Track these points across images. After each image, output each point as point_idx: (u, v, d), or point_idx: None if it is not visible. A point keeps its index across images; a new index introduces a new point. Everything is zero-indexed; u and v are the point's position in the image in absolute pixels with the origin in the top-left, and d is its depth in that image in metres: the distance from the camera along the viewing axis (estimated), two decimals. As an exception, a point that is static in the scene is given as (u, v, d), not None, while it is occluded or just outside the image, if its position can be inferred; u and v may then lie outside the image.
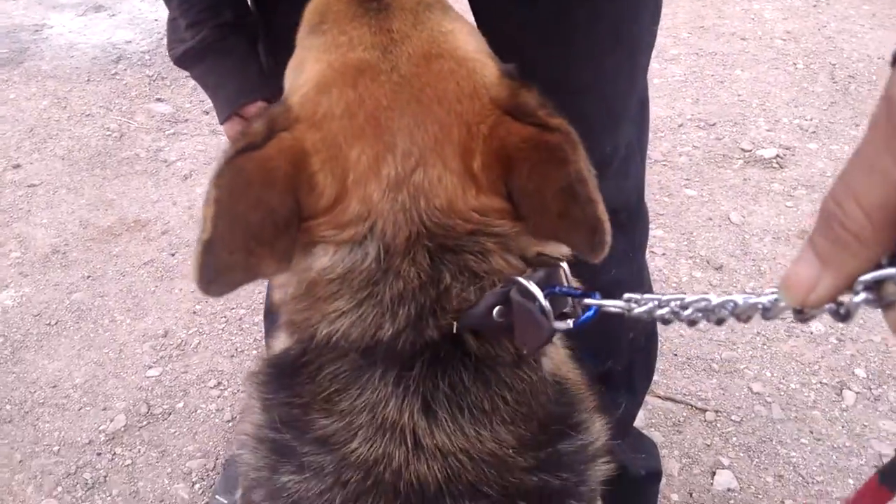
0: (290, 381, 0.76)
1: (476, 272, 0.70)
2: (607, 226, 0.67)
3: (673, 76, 3.35)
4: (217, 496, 1.65)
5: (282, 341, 0.80)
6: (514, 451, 0.72)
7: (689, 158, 2.83)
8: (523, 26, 1.03)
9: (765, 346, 2.05)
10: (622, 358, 1.34)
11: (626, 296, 0.62)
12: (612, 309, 0.63)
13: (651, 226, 2.46)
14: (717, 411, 1.88)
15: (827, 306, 0.45)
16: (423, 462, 0.70)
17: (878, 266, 0.42)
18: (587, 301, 0.65)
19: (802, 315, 0.46)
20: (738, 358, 2.02)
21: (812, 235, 0.45)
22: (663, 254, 2.38)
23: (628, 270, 1.28)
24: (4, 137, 3.00)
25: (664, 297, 0.59)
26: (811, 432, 1.83)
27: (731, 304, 0.54)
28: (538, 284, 0.66)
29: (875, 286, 0.42)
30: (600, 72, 1.11)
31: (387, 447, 0.71)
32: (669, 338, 2.08)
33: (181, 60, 1.11)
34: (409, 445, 0.70)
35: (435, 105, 0.70)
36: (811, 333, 2.08)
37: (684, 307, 0.57)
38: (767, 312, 0.51)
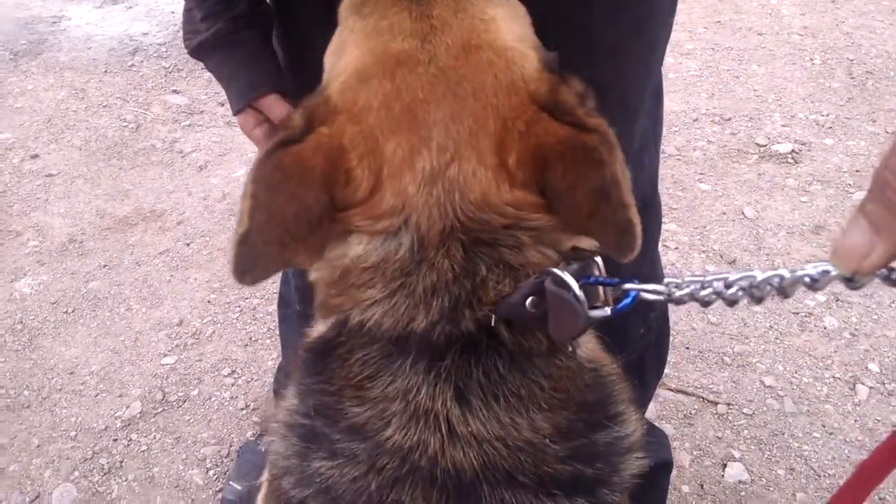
0: (323, 364, 0.76)
1: (511, 264, 0.70)
2: (638, 229, 0.67)
3: (688, 71, 3.33)
4: (231, 482, 1.67)
5: (318, 327, 0.80)
6: (549, 440, 0.72)
7: (703, 153, 2.81)
8: (545, 19, 1.03)
9: (777, 341, 2.05)
10: (634, 351, 1.35)
11: (667, 280, 0.61)
12: (652, 296, 0.63)
13: (664, 220, 2.47)
14: (728, 404, 1.88)
15: (878, 272, 0.46)
16: (459, 449, 0.70)
17: None
18: (626, 286, 0.65)
19: (853, 283, 0.48)
20: (750, 352, 2.02)
21: (864, 204, 0.46)
22: (676, 248, 2.37)
23: (641, 263, 1.29)
24: (23, 128, 3.04)
25: (707, 278, 0.59)
26: (823, 426, 1.82)
27: (777, 278, 0.54)
28: (573, 276, 0.66)
29: None
30: (620, 66, 1.10)
31: (422, 434, 0.71)
32: (682, 331, 2.08)
33: (196, 52, 1.12)
34: (444, 433, 0.70)
35: (471, 99, 0.70)
36: (825, 328, 2.07)
37: (728, 286, 0.57)
38: (815, 284, 0.51)
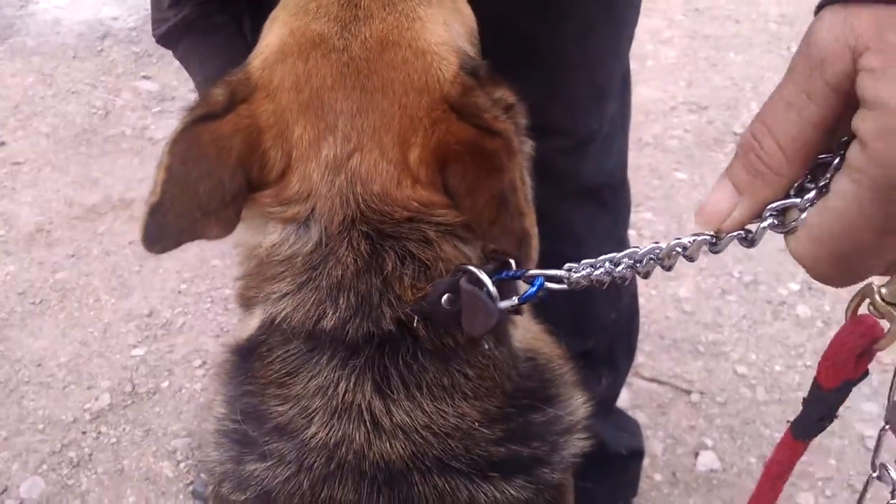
0: (246, 364, 0.76)
1: (422, 259, 0.69)
2: (535, 241, 0.66)
3: (666, 59, 3.33)
4: (202, 474, 1.65)
5: (250, 320, 0.79)
6: (479, 424, 0.72)
7: (680, 142, 2.82)
8: (517, 2, 1.02)
9: (751, 329, 2.06)
10: (604, 337, 1.35)
11: (566, 266, 0.63)
12: (553, 284, 0.64)
13: (640, 209, 2.47)
14: (701, 393, 1.89)
15: (736, 233, 0.50)
16: (385, 441, 0.70)
17: (787, 196, 0.47)
18: (531, 273, 0.65)
19: (716, 247, 0.52)
20: (723, 340, 2.03)
21: (730, 168, 0.49)
22: (652, 237, 2.37)
23: (612, 248, 1.28)
24: (-11, 114, 2.96)
25: (597, 260, 0.61)
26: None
27: (657, 250, 0.57)
28: (488, 274, 0.66)
29: (781, 213, 0.48)
30: (591, 48, 1.10)
31: (346, 429, 0.71)
32: (656, 320, 2.08)
33: (164, 39, 1.09)
34: (369, 426, 0.70)
35: (379, 94, 0.70)
36: (797, 317, 2.09)
37: (616, 264, 0.60)
38: (686, 251, 0.55)
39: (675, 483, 1.70)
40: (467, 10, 0.79)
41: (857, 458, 1.73)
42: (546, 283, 0.64)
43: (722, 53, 3.38)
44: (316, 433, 0.71)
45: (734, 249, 2.00)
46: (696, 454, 1.75)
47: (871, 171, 0.42)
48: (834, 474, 1.70)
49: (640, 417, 1.78)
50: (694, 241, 0.54)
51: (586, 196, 1.21)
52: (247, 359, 0.76)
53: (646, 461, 1.63)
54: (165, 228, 0.69)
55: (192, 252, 2.30)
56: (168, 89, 3.11)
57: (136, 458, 1.76)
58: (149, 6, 1.12)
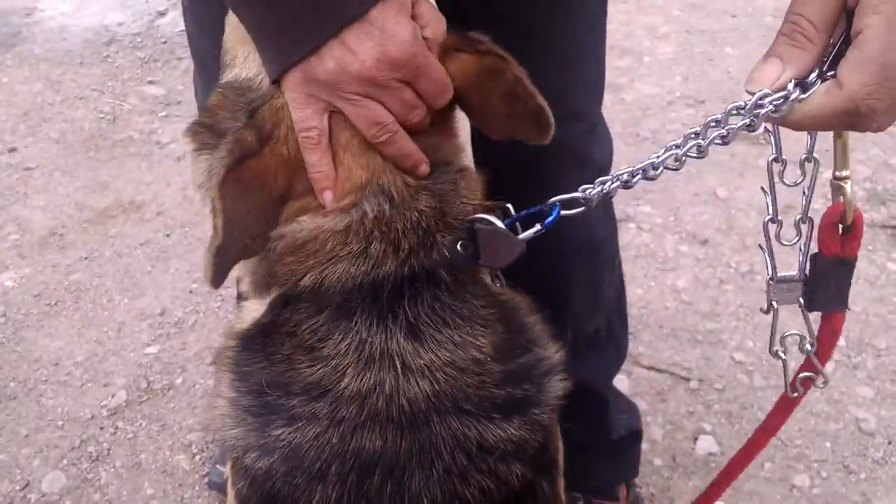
0: (265, 345, 0.81)
1: (449, 199, 0.81)
2: (548, 111, 0.80)
3: (663, 54, 3.37)
4: (217, 465, 1.71)
5: (250, 310, 0.85)
6: (491, 358, 0.79)
7: (677, 135, 2.82)
8: (530, 3, 1.08)
9: (748, 318, 2.11)
10: (604, 315, 1.41)
11: (582, 187, 0.76)
12: (571, 211, 0.78)
13: (639, 202, 2.52)
14: (700, 380, 1.94)
15: (779, 95, 0.67)
16: (414, 382, 0.77)
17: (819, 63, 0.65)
18: (551, 200, 0.79)
19: (752, 126, 0.71)
20: (721, 329, 2.08)
21: (773, 47, 0.67)
22: (650, 229, 2.42)
23: (606, 228, 1.36)
24: (-1, 121, 3.03)
25: (612, 175, 0.77)
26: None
27: (693, 135, 0.74)
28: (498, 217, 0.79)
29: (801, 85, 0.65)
30: (598, 35, 1.19)
31: (377, 376, 0.76)
32: (655, 310, 2.13)
33: None
34: (399, 369, 0.76)
35: None
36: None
37: (634, 174, 0.77)
38: (725, 138, 0.72)
39: (675, 467, 1.75)
40: None
41: (851, 441, 1.78)
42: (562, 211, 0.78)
43: (718, 48, 3.42)
44: (349, 384, 0.77)
45: (731, 241, 2.04)
46: (695, 439, 1.80)
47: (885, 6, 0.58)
48: (829, 456, 1.76)
49: (641, 404, 1.83)
50: (726, 116, 0.71)
51: (597, 178, 1.28)
52: (262, 338, 0.81)
53: (646, 446, 1.68)
54: (226, 263, 0.76)
55: (202, 252, 2.35)
56: (174, 94, 3.17)
57: (152, 452, 1.82)
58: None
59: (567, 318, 1.30)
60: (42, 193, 2.66)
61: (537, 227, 0.77)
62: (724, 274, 2.25)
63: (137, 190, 2.65)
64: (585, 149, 1.23)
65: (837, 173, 0.83)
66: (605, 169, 1.30)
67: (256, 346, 0.82)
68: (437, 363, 0.77)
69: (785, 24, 0.65)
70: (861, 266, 2.25)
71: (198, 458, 1.81)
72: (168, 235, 2.46)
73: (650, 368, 1.95)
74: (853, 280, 2.29)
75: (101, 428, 1.88)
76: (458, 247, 0.78)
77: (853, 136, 2.71)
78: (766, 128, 0.77)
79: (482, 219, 0.78)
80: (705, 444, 1.78)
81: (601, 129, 1.29)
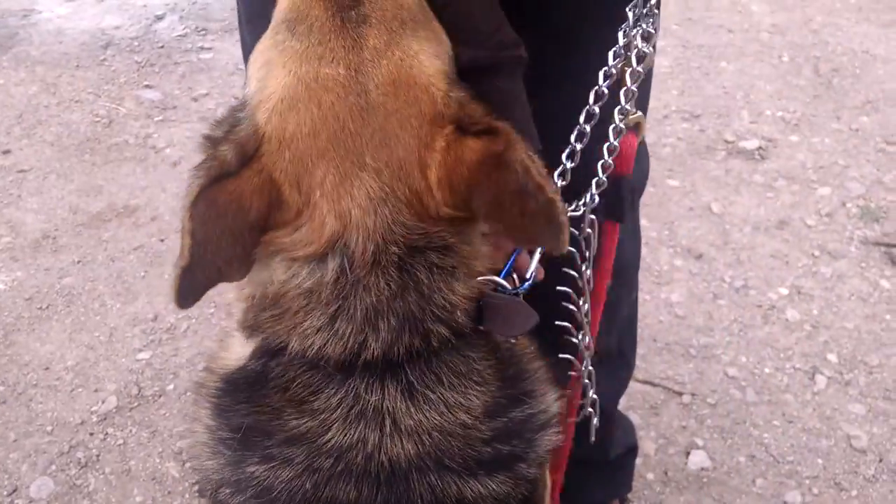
0: (252, 394, 0.79)
1: (446, 268, 0.77)
2: (559, 204, 0.74)
3: (659, 68, 3.39)
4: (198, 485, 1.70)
5: (237, 346, 0.83)
6: (479, 421, 0.78)
7: (672, 149, 2.87)
8: (577, 12, 1.08)
9: (741, 333, 2.11)
10: (616, 334, 1.41)
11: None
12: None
13: (634, 214, 2.52)
14: (693, 394, 1.94)
15: None
16: (398, 441, 0.76)
17: None
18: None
19: None
20: (714, 343, 2.08)
21: None
22: (645, 242, 2.42)
23: (632, 250, 1.37)
24: (-6, 122, 3.01)
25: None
26: (783, 415, 1.89)
27: None
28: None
29: None
30: (616, 36, 1.17)
31: (362, 433, 0.76)
32: (649, 324, 2.13)
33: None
34: (388, 428, 0.76)
35: (398, 130, 0.75)
36: (786, 320, 2.15)
37: None
38: None
39: (667, 482, 1.75)
40: (444, 37, 0.83)
41: (843, 458, 1.79)
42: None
43: (714, 62, 3.45)
44: (331, 438, 0.76)
45: (725, 256, 2.05)
46: (688, 453, 1.80)
47: None
48: (821, 473, 1.76)
49: (634, 418, 1.83)
50: None
51: (633, 193, 1.29)
52: (249, 388, 0.79)
53: (638, 460, 1.68)
54: (195, 285, 0.73)
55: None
56: (170, 98, 3.16)
57: (142, 459, 1.81)
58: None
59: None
60: (35, 196, 2.65)
61: (525, 286, 0.82)
62: (718, 289, 2.26)
63: (132, 194, 2.64)
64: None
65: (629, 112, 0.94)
66: (639, 190, 1.31)
67: (242, 394, 0.80)
68: (426, 426, 0.76)
69: None
70: (854, 283, 2.26)
71: (188, 465, 1.80)
72: (162, 240, 2.45)
73: (644, 382, 1.95)
74: (847, 296, 2.30)
75: (91, 434, 1.86)
76: (461, 318, 0.77)
77: (848, 152, 2.71)
78: None
79: (494, 282, 0.80)
80: (698, 459, 1.78)
81: (640, 148, 1.27)
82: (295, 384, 0.77)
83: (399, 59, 0.77)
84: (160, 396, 1.96)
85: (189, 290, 0.72)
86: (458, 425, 0.77)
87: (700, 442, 1.83)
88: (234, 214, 0.72)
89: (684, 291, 2.25)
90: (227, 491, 0.79)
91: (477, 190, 0.75)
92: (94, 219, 2.55)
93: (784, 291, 2.24)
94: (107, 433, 1.87)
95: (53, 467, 1.78)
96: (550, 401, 0.86)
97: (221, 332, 2.14)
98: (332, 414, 0.76)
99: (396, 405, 0.76)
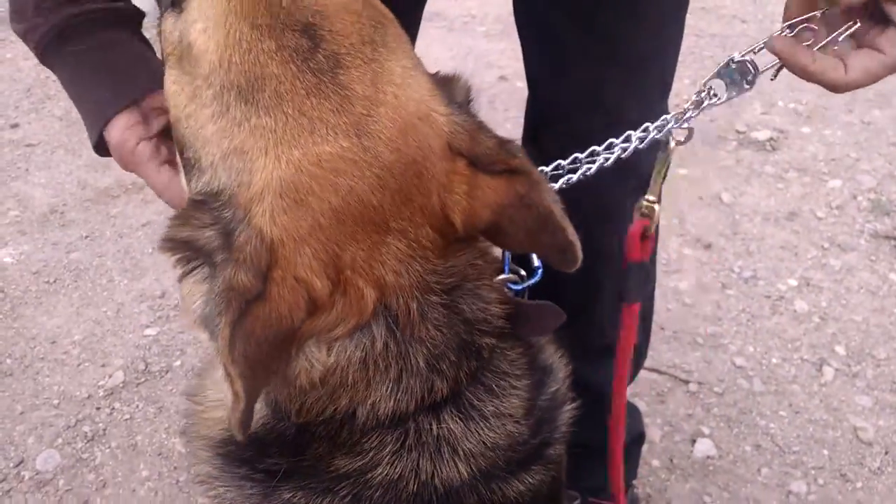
0: (286, 447, 0.75)
1: (478, 293, 0.76)
2: (577, 247, 0.73)
3: (671, 56, 3.37)
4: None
5: (221, 406, 0.78)
6: (520, 424, 0.79)
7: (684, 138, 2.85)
8: (598, 3, 1.08)
9: (749, 323, 2.11)
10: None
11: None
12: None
13: (644, 203, 2.51)
14: (699, 383, 1.94)
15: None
16: (454, 466, 0.75)
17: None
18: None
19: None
20: (722, 333, 2.08)
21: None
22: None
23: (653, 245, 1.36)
24: (2, 97, 3.00)
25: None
26: (790, 405, 1.89)
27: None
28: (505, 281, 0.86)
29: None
30: (663, 44, 1.18)
31: (416, 463, 0.74)
32: (658, 312, 2.12)
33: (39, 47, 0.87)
34: (446, 456, 0.75)
35: (416, 181, 0.68)
36: (795, 311, 2.14)
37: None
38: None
39: (672, 469, 1.75)
40: (400, 28, 0.74)
41: (849, 449, 1.79)
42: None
43: (727, 52, 3.41)
44: (380, 472, 0.73)
45: (735, 246, 2.04)
46: (694, 441, 1.80)
47: None
48: (826, 464, 1.76)
49: (640, 405, 1.83)
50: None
51: (641, 189, 1.27)
52: (280, 441, 0.75)
53: (644, 447, 1.68)
54: (251, 412, 0.65)
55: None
56: (180, 75, 3.15)
57: (149, 434, 1.81)
58: None
59: (590, 325, 1.29)
60: (43, 170, 2.64)
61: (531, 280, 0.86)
62: (727, 278, 2.25)
63: (140, 171, 2.63)
64: (633, 160, 1.21)
65: (650, 197, 0.97)
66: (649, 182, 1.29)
67: (273, 447, 0.75)
68: (480, 447, 0.76)
69: None
70: (863, 276, 2.25)
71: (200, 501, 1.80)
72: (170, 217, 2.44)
73: (651, 370, 1.95)
74: (855, 289, 2.29)
75: (98, 408, 1.87)
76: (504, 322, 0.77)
77: (860, 145, 2.71)
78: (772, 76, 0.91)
79: (520, 301, 0.82)
80: (703, 448, 1.78)
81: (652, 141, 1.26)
82: (343, 433, 0.73)
83: (393, 97, 0.66)
84: (167, 372, 1.96)
85: (249, 419, 0.64)
86: (506, 435, 0.77)
87: (706, 430, 1.82)
88: (275, 334, 0.62)
89: (693, 280, 2.24)
90: None
91: (497, 227, 0.73)
92: (102, 194, 2.55)
93: (793, 283, 2.23)
94: (113, 408, 1.87)
95: (60, 440, 1.79)
96: (563, 368, 0.87)
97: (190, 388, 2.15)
98: (383, 450, 0.73)
99: (454, 430, 0.75)
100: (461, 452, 0.75)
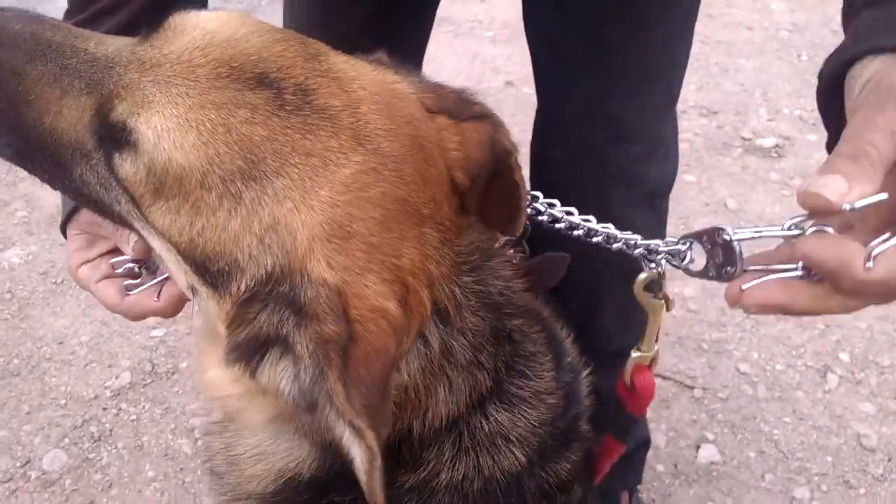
0: (347, 484, 0.69)
1: (491, 265, 0.77)
2: (523, 192, 0.79)
3: (677, 62, 3.38)
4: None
5: (297, 450, 0.75)
6: (554, 396, 0.81)
7: (690, 145, 2.86)
8: (609, 12, 1.08)
9: (753, 329, 2.11)
10: (634, 333, 1.41)
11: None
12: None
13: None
14: (704, 389, 1.94)
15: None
16: (511, 454, 0.76)
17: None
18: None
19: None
20: (727, 339, 2.08)
21: (836, 163, 0.63)
22: (659, 236, 2.43)
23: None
24: (12, 98, 3.02)
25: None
26: (794, 412, 1.89)
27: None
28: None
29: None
30: (671, 58, 1.18)
31: (475, 461, 0.75)
32: (662, 318, 2.13)
33: None
34: (501, 446, 0.76)
35: (421, 153, 0.68)
36: (799, 318, 2.14)
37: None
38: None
39: (677, 474, 1.75)
40: None
41: (852, 456, 1.79)
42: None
43: (733, 59, 3.43)
44: (444, 479, 0.74)
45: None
46: (698, 447, 1.80)
47: None
48: (829, 470, 1.76)
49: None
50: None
51: (649, 201, 1.28)
52: (337, 481, 0.72)
53: (649, 452, 1.69)
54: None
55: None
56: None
57: (155, 435, 1.82)
58: None
59: (597, 333, 1.30)
60: (52, 172, 2.65)
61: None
62: (732, 285, 2.25)
63: (148, 173, 2.64)
64: (641, 172, 1.22)
65: (644, 348, 0.90)
66: (659, 192, 1.29)
67: (333, 486, 0.73)
68: (528, 427, 0.77)
69: (847, 145, 0.63)
70: (868, 283, 2.25)
71: (200, 442, 1.81)
72: (177, 220, 2.45)
73: (656, 375, 1.95)
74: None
75: (104, 408, 1.88)
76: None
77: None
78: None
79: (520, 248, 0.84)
80: (708, 453, 1.78)
81: (663, 151, 1.26)
82: (403, 452, 0.73)
83: (361, 90, 0.66)
84: (173, 374, 1.97)
85: (385, 479, 0.60)
86: (547, 409, 0.79)
87: (710, 436, 1.83)
88: (379, 372, 0.60)
89: (698, 286, 2.24)
90: None
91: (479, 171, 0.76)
92: (110, 196, 2.56)
93: (798, 290, 2.23)
94: (120, 408, 1.88)
95: (66, 440, 1.80)
96: (569, 344, 0.90)
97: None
98: (442, 457, 0.74)
99: (502, 422, 0.76)
100: (514, 439, 0.77)
